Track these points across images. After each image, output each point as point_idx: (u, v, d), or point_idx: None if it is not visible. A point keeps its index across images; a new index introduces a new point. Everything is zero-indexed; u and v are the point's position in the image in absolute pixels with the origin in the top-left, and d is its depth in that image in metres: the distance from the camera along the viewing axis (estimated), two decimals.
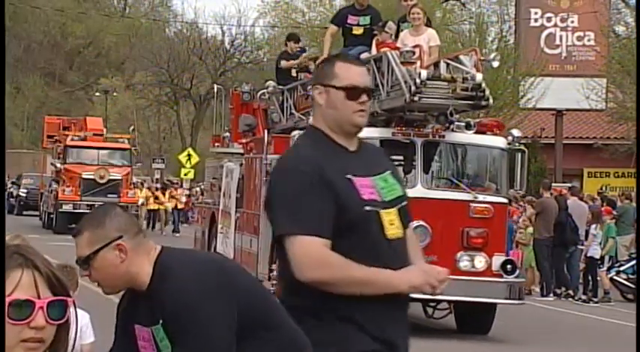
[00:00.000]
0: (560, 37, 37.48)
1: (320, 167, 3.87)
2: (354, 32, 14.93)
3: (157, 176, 49.69)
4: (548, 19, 37.61)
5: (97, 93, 63.46)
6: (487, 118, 14.31)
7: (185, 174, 45.63)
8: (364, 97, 3.98)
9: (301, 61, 16.50)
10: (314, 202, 3.78)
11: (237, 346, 3.53)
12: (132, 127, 41.32)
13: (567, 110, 36.70)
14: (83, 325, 6.39)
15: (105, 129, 37.64)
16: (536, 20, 37.65)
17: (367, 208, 3.92)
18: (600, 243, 20.47)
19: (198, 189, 46.02)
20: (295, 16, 51.63)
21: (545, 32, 37.10)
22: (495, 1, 47.79)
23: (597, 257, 20.32)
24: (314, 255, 3.78)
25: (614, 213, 22.07)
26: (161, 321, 3.54)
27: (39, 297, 2.23)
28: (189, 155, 45.08)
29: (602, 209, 22.15)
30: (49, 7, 60.17)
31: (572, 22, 37.58)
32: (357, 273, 3.82)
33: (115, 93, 61.98)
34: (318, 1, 50.95)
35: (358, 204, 3.91)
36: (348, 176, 3.94)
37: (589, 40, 37.28)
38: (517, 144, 13.85)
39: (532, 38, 36.90)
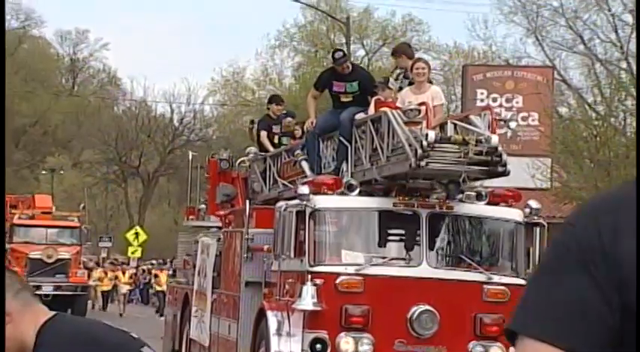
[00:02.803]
0: (506, 117, 36.72)
1: (610, 220, 1.95)
2: (343, 100, 12.85)
3: (104, 255, 48.06)
4: (494, 100, 36.97)
5: (44, 172, 61.34)
6: (502, 188, 12.25)
7: (132, 253, 44.19)
8: None
9: (286, 125, 14.47)
10: (564, 284, 1.96)
11: None
12: (82, 205, 39.60)
13: (514, 189, 35.54)
14: None
15: (54, 208, 35.59)
16: (482, 100, 36.97)
17: None
18: None
19: (145, 268, 44.41)
20: (245, 94, 50.49)
21: None
22: (442, 80, 46.86)
23: None
24: None
25: None
26: None
27: None
28: (136, 233, 44.12)
29: None
30: None
31: (517, 102, 37.15)
32: None
33: (61, 172, 60.17)
34: (268, 80, 49.92)
35: None
36: None
37: (533, 120, 36.79)
38: (535, 217, 11.85)
39: None
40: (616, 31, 37.17)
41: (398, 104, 11.84)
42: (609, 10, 37.16)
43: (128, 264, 43.23)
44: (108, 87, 67.14)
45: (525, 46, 37.90)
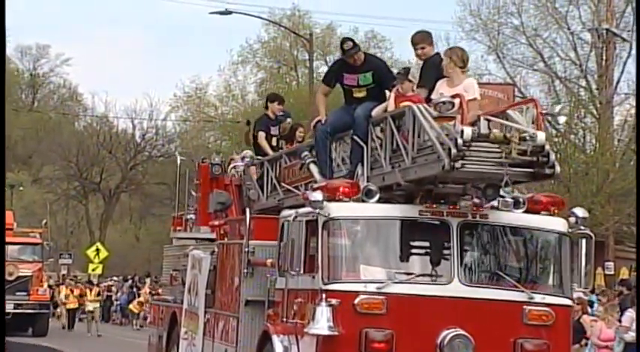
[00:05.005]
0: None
1: None
2: (356, 95, 10.89)
3: (64, 272, 46.27)
4: None
5: None
6: (542, 194, 10.47)
7: (93, 270, 42.40)
8: None
9: (285, 128, 12.54)
10: None
11: None
12: (44, 221, 37.93)
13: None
14: None
15: (15, 224, 34.00)
16: None
17: None
18: None
19: (105, 284, 42.75)
20: (207, 110, 48.92)
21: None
22: None
23: None
24: None
25: None
26: None
27: None
28: (97, 249, 42.33)
29: None
30: None
31: None
32: None
33: (21, 188, 58.15)
34: (231, 96, 48.44)
35: None
36: None
37: None
38: (582, 228, 10.07)
39: None
40: (575, 50, 36.25)
41: (432, 96, 9.98)
42: (568, 29, 36.22)
43: (89, 281, 41.45)
44: (69, 102, 65.45)
45: (486, 64, 36.78)
